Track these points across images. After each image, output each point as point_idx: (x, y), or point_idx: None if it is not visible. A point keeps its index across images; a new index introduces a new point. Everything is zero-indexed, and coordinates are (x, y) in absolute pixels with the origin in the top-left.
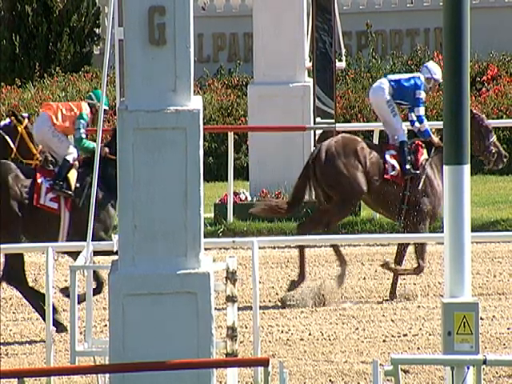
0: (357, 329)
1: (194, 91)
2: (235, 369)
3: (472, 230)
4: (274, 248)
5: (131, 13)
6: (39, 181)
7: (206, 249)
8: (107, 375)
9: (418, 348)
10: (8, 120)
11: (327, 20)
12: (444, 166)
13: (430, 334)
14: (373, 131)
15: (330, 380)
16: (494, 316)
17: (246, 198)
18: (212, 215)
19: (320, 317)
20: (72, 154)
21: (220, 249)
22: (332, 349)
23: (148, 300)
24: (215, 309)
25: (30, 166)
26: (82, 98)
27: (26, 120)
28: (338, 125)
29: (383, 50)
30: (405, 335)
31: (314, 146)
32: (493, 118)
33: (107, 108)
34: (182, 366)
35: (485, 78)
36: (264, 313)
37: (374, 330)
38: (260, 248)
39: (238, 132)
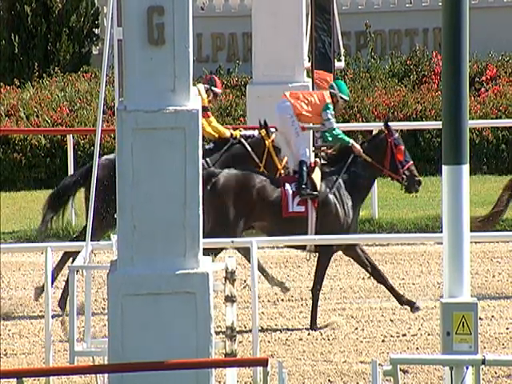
0: (356, 329)
1: None
2: (234, 369)
3: (471, 230)
4: (273, 248)
5: (130, 13)
6: (285, 189)
7: (204, 249)
8: (106, 375)
9: (417, 348)
10: (254, 131)
11: (326, 20)
12: (443, 166)
13: (428, 334)
14: (372, 131)
15: (329, 380)
16: (492, 316)
17: None
18: None
19: (319, 317)
20: (307, 153)
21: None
22: (331, 349)
23: (147, 300)
24: (214, 308)
25: (276, 177)
26: (80, 99)
27: (274, 135)
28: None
29: (382, 50)
30: (404, 335)
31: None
32: (492, 118)
33: (347, 99)
34: (181, 366)
35: (484, 78)
36: (263, 313)
37: (373, 330)
38: (259, 248)
39: None
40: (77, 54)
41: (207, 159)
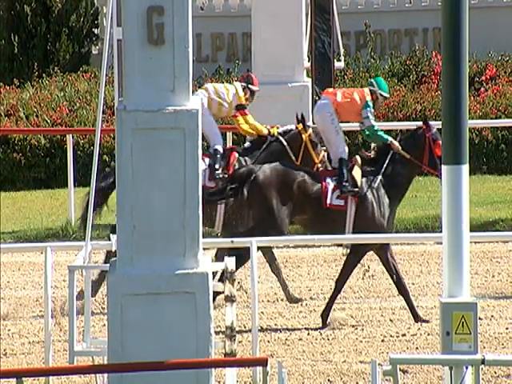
0: (355, 329)
1: (193, 91)
2: (234, 369)
3: (470, 230)
4: (273, 248)
5: (130, 13)
6: (325, 183)
7: (204, 248)
8: (106, 375)
9: (417, 348)
10: (291, 126)
11: (326, 20)
12: (442, 166)
13: (428, 334)
14: None
15: (329, 380)
16: (492, 316)
17: None
18: None
19: (318, 316)
20: (346, 151)
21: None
22: (331, 348)
23: (146, 300)
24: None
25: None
26: (80, 99)
27: (311, 129)
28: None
29: (382, 49)
30: (403, 335)
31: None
32: (491, 118)
33: (387, 95)
34: (181, 366)
35: (483, 78)
36: (263, 312)
37: (373, 330)
38: (258, 248)
39: (237, 132)
40: (76, 54)
41: (246, 158)
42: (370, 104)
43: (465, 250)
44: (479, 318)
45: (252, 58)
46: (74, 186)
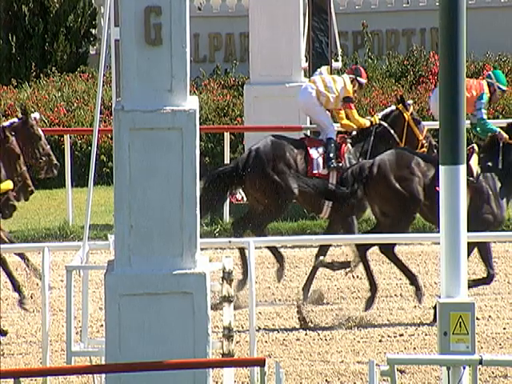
0: (353, 328)
1: (190, 91)
2: (231, 369)
3: (468, 230)
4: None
5: (127, 13)
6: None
7: (202, 249)
8: (103, 375)
9: (414, 348)
10: (391, 108)
11: (323, 20)
12: (440, 167)
13: (426, 334)
14: None
15: (327, 380)
16: (489, 316)
17: (242, 198)
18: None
19: (316, 317)
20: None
21: (216, 249)
22: (328, 349)
23: (144, 300)
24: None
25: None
26: (78, 99)
27: (411, 107)
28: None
29: (379, 50)
30: (401, 335)
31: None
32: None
33: (505, 88)
34: (179, 366)
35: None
36: (260, 313)
37: (371, 330)
38: (256, 248)
39: (234, 132)
40: (74, 54)
41: (353, 150)
42: (485, 97)
43: (462, 250)
44: (477, 318)
45: (249, 58)
46: (72, 186)
